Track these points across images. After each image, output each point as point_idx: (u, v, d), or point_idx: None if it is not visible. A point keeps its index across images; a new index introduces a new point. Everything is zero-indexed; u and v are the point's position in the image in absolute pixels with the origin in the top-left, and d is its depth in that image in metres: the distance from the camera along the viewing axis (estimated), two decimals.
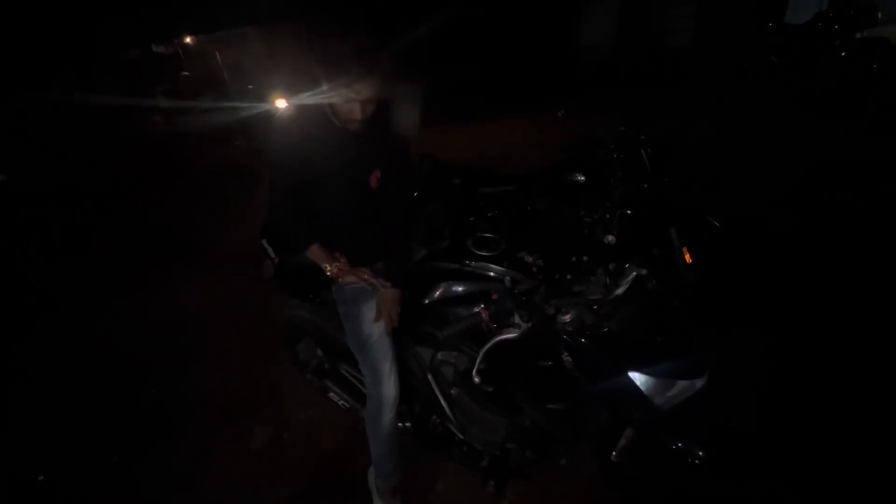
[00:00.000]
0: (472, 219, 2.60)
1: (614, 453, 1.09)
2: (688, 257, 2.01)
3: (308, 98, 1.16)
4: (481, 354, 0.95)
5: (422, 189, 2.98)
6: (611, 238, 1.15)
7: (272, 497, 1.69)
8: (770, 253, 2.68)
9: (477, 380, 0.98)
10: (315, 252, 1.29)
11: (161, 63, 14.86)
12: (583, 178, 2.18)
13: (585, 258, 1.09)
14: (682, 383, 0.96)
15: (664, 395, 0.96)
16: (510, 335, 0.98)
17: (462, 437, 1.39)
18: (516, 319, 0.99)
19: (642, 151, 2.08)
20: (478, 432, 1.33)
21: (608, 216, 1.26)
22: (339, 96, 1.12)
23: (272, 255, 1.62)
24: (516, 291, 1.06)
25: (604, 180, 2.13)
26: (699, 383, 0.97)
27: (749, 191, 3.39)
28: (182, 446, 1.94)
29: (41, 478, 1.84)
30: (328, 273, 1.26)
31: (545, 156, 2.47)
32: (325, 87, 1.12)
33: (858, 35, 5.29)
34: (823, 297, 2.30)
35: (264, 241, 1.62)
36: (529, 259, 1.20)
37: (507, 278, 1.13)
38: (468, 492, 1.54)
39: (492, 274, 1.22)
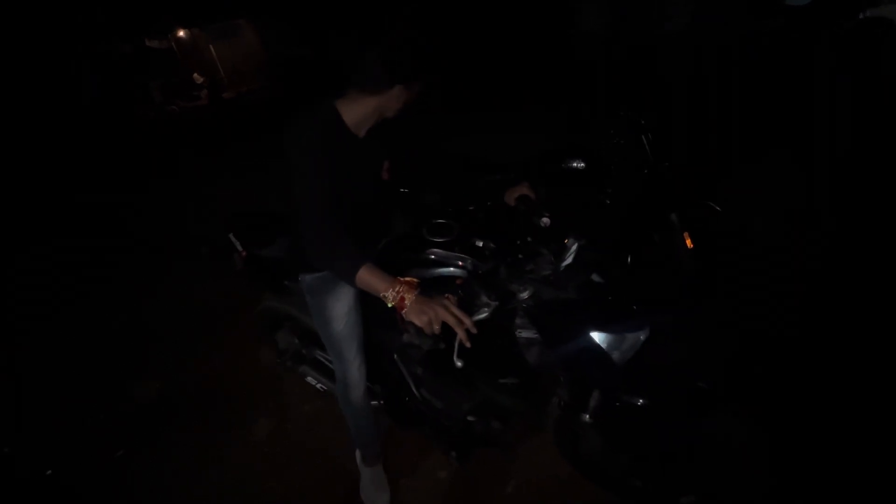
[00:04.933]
0: (471, 208, 2.59)
1: (587, 415, 1.16)
2: (689, 242, 2.00)
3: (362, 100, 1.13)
4: (458, 339, 0.95)
5: (419, 179, 2.96)
6: (545, 220, 1.18)
7: (278, 487, 1.70)
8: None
9: (459, 364, 0.99)
10: (367, 278, 1.01)
11: (155, 58, 14.73)
12: (582, 164, 2.16)
13: (529, 238, 1.16)
14: (631, 336, 1.06)
15: (620, 349, 1.05)
16: (482, 315, 1.02)
17: (429, 413, 1.46)
18: (484, 300, 1.03)
19: (643, 137, 2.06)
20: (442, 408, 1.40)
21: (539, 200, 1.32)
22: (398, 99, 1.13)
23: (240, 248, 1.67)
24: (479, 273, 1.13)
25: (604, 166, 2.11)
26: (643, 336, 1.07)
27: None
28: (186, 438, 1.96)
29: (49, 472, 1.85)
30: (390, 304, 0.99)
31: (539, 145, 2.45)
32: (394, 89, 1.11)
33: (861, 16, 5.22)
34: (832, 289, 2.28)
35: (231, 236, 1.67)
36: (480, 243, 1.24)
37: (469, 262, 1.19)
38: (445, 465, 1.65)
39: (453, 260, 1.27)
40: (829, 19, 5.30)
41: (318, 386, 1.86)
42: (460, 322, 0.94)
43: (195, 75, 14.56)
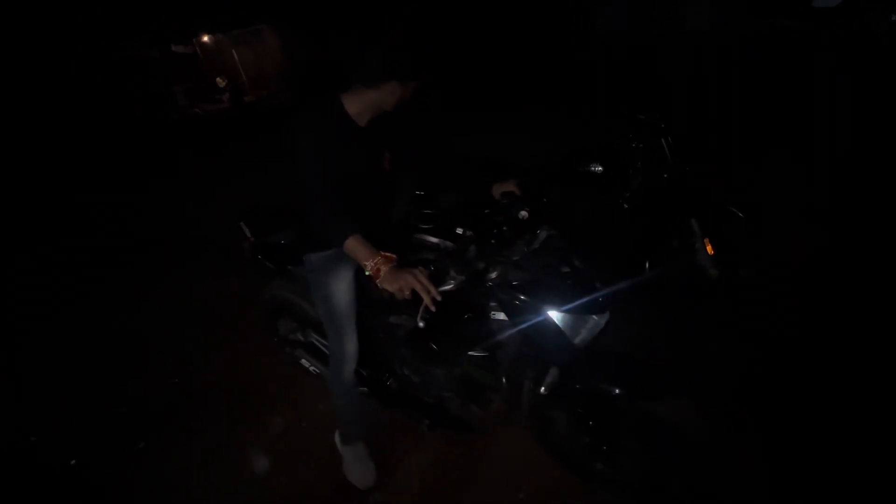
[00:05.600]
0: (487, 211, 2.58)
1: (542, 388, 1.23)
2: (710, 248, 1.96)
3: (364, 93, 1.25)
4: (423, 304, 1.09)
5: (435, 182, 2.97)
6: (523, 213, 1.31)
7: (293, 485, 1.72)
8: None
9: (421, 324, 1.12)
10: (353, 246, 1.17)
11: (180, 62, 15.16)
12: (600, 167, 2.13)
13: (505, 228, 1.27)
14: (591, 318, 1.15)
15: (578, 330, 1.15)
16: (448, 287, 1.14)
17: (410, 390, 1.58)
18: (452, 274, 1.15)
19: (662, 140, 2.03)
20: (420, 383, 1.52)
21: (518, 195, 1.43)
22: (393, 94, 1.24)
23: (249, 235, 1.79)
24: (449, 251, 1.25)
25: (622, 170, 2.08)
26: (603, 319, 1.17)
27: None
28: (204, 432, 1.99)
29: (73, 462, 1.92)
30: (367, 272, 1.15)
31: (553, 147, 2.44)
32: (391, 84, 1.22)
33: (893, 17, 5.05)
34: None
35: (242, 224, 1.80)
36: (461, 230, 1.39)
37: (443, 244, 1.35)
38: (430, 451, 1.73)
39: (432, 242, 1.42)
40: (860, 20, 5.15)
41: (312, 369, 1.96)
42: (427, 290, 1.08)
43: (218, 79, 14.91)
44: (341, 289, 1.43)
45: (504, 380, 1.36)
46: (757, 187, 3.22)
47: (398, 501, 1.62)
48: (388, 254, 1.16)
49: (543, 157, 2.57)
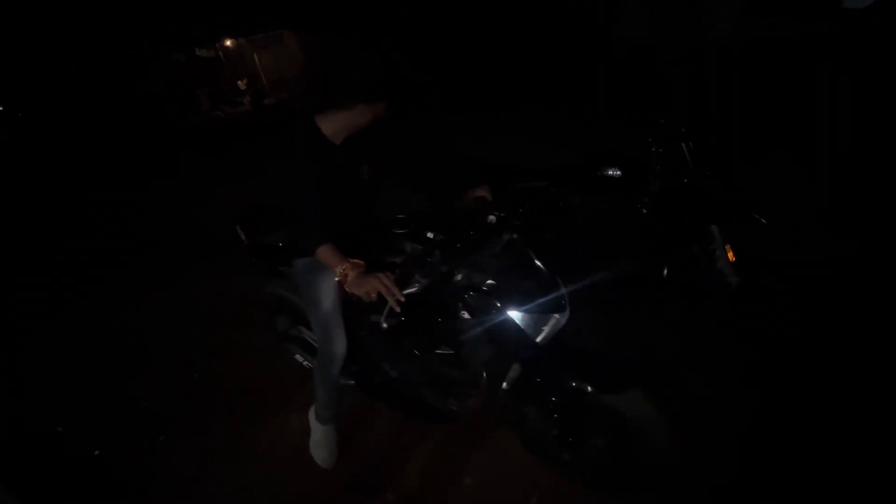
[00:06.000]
0: (502, 214, 2.58)
1: (505, 384, 1.30)
2: (731, 255, 1.92)
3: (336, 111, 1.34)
4: (388, 306, 1.16)
5: (448, 186, 2.98)
6: (491, 218, 1.37)
7: (307, 482, 1.74)
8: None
9: (385, 325, 1.24)
10: (324, 254, 1.28)
11: (204, 66, 15.58)
12: (618, 172, 2.11)
13: (472, 232, 1.32)
14: (552, 317, 1.22)
15: (538, 329, 1.22)
16: (412, 289, 1.21)
17: (390, 384, 1.67)
18: (416, 278, 1.22)
19: (683, 145, 2.00)
20: (400, 380, 1.61)
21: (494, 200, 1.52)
22: (362, 114, 1.32)
23: (244, 238, 1.88)
24: (415, 256, 1.31)
25: (641, 175, 2.05)
26: (564, 318, 1.24)
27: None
28: (221, 428, 2.03)
29: (97, 452, 1.99)
30: (336, 278, 1.24)
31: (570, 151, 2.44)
32: (359, 103, 1.30)
33: None
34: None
35: (238, 227, 1.88)
36: (431, 234, 1.43)
37: (410, 248, 1.41)
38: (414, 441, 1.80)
39: (402, 246, 1.48)
40: (890, 24, 4.98)
41: (305, 364, 2.02)
42: (391, 293, 1.15)
43: (239, 82, 15.27)
44: (327, 291, 1.48)
45: (485, 374, 1.42)
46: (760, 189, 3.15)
47: (405, 499, 1.64)
48: (355, 260, 1.24)
49: (559, 160, 2.56)
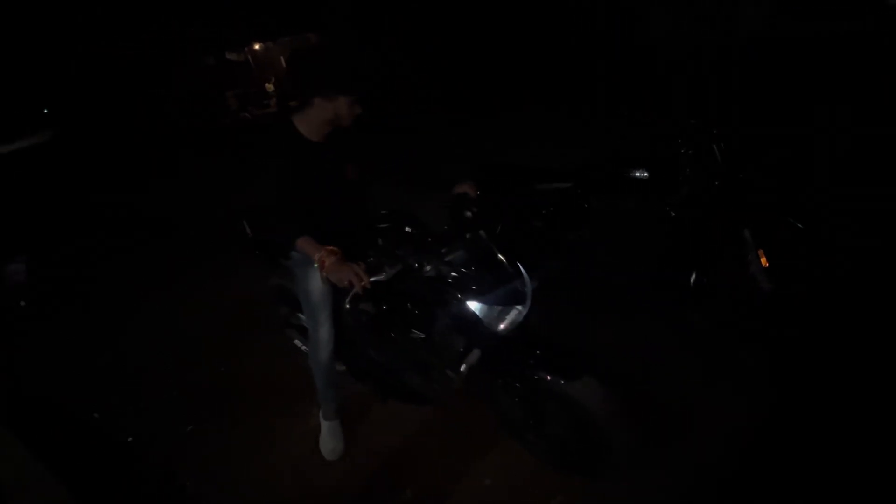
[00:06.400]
0: (526, 215, 2.56)
1: (464, 366, 1.38)
2: (763, 261, 1.85)
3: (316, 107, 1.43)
4: (354, 289, 1.28)
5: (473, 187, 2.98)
6: (468, 214, 1.48)
7: (329, 477, 1.78)
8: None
9: (347, 306, 1.33)
10: (303, 244, 1.38)
11: (232, 69, 16.04)
12: (646, 174, 2.07)
13: (445, 227, 1.46)
14: (511, 308, 1.32)
15: (495, 318, 1.33)
16: (379, 277, 1.31)
17: (375, 368, 1.79)
18: (385, 268, 1.33)
19: (714, 147, 1.95)
20: (383, 363, 1.73)
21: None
22: (325, 109, 1.41)
23: (248, 231, 1.99)
24: (385, 248, 1.45)
25: (669, 177, 2.01)
26: (525, 309, 1.33)
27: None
28: (247, 421, 2.09)
29: (130, 439, 2.08)
30: (315, 265, 1.34)
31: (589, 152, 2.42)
32: (336, 101, 1.40)
33: None
34: None
35: (244, 222, 2.01)
36: (409, 229, 1.53)
37: (384, 241, 1.52)
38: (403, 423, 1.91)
39: (380, 239, 1.57)
40: None
41: (303, 348, 2.14)
42: (359, 279, 1.27)
43: (267, 85, 15.64)
44: (316, 282, 1.57)
45: (452, 359, 1.48)
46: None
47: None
48: (331, 248, 1.34)
49: (582, 161, 2.53)
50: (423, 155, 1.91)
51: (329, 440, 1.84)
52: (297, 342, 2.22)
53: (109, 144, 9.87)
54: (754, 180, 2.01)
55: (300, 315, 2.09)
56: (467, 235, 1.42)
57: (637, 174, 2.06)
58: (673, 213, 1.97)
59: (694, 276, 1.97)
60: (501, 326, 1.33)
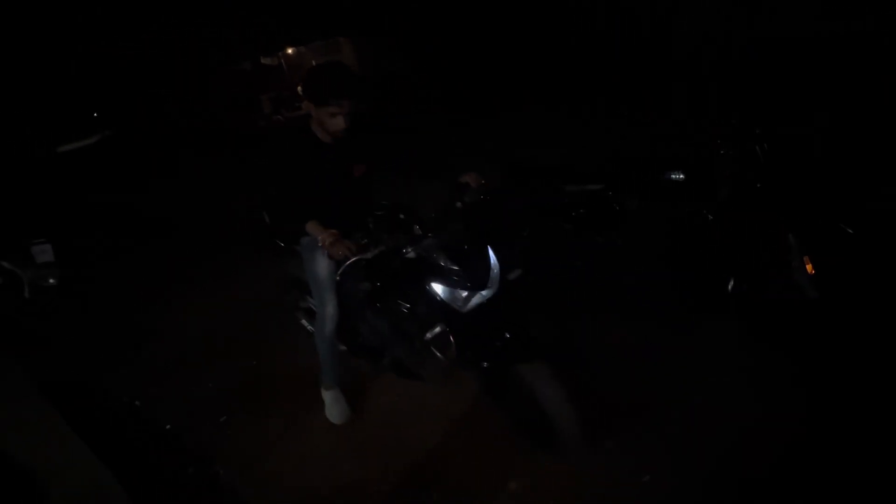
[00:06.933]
0: (555, 217, 2.53)
1: (428, 335, 1.62)
2: (810, 268, 1.76)
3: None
4: (343, 266, 1.64)
5: (499, 188, 2.96)
6: (459, 204, 1.68)
7: (356, 470, 1.81)
8: None
9: (338, 278, 1.73)
10: (311, 227, 1.64)
11: (267, 73, 16.60)
12: (682, 175, 2.00)
13: (433, 214, 1.67)
14: (475, 292, 1.50)
15: (457, 299, 1.50)
16: (363, 255, 1.56)
17: (372, 345, 1.97)
18: (371, 248, 1.58)
19: (757, 147, 1.86)
20: (375, 336, 1.91)
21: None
22: (318, 114, 1.62)
23: (267, 220, 2.13)
24: (374, 231, 1.67)
25: (708, 179, 1.94)
26: (486, 293, 1.51)
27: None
28: (276, 414, 2.15)
29: (168, 427, 2.17)
30: (320, 243, 1.58)
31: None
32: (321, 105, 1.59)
33: None
34: None
35: (263, 212, 2.14)
36: (403, 216, 1.68)
37: (373, 225, 1.72)
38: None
39: (375, 226, 1.74)
40: None
41: (309, 328, 2.29)
42: (350, 253, 1.53)
43: (299, 88, 16.07)
44: (323, 264, 1.82)
45: (428, 333, 1.65)
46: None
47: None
48: (332, 230, 1.57)
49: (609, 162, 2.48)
50: (425, 152, 2.05)
51: (334, 407, 2.01)
52: (304, 322, 2.41)
53: (152, 146, 10.39)
54: (801, 182, 1.90)
55: (309, 298, 2.29)
56: (444, 223, 1.63)
57: (673, 176, 2.00)
58: (711, 217, 1.90)
59: (732, 283, 1.89)
60: (466, 307, 1.50)
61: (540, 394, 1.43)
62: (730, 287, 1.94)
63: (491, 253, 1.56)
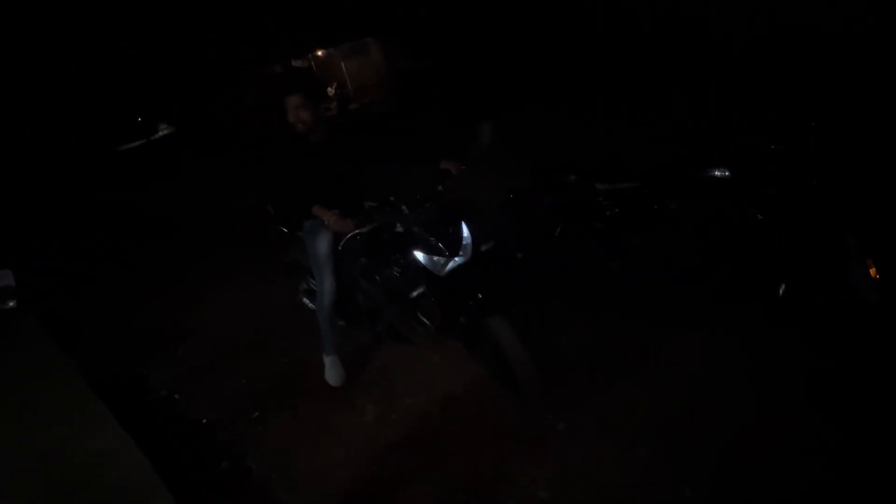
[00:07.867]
0: (587, 217, 2.45)
1: (413, 294, 1.88)
2: (873, 272, 1.62)
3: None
4: (344, 240, 1.93)
5: (530, 186, 2.89)
6: (440, 188, 1.98)
7: (384, 470, 1.82)
8: None
9: (340, 248, 2.03)
10: (317, 210, 1.90)
11: (297, 75, 16.96)
12: (727, 173, 1.89)
13: (417, 196, 1.93)
14: (451, 259, 1.78)
15: (436, 265, 1.78)
16: (361, 230, 1.84)
17: (367, 311, 2.23)
18: (366, 224, 1.86)
19: (810, 141, 1.74)
20: (369, 305, 2.19)
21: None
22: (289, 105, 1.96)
23: (272, 211, 2.38)
24: (366, 211, 2.02)
25: (755, 176, 1.82)
26: (459, 259, 1.79)
27: None
28: (307, 411, 2.19)
29: (204, 420, 2.24)
30: (326, 222, 1.85)
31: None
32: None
33: None
34: None
35: (269, 205, 2.40)
36: (392, 198, 1.97)
37: (368, 206, 2.12)
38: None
39: (369, 205, 2.12)
40: None
41: (311, 307, 2.49)
42: (350, 227, 1.83)
43: (329, 89, 16.37)
44: (322, 243, 2.10)
45: (412, 292, 1.90)
46: None
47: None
48: (335, 211, 1.84)
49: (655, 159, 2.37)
50: (414, 146, 2.26)
51: (333, 371, 2.25)
52: (306, 301, 2.64)
53: (193, 148, 10.85)
54: (861, 179, 1.76)
55: (310, 279, 2.55)
56: (426, 204, 1.90)
57: (717, 173, 1.89)
58: (760, 216, 1.78)
59: (784, 287, 1.77)
60: (444, 271, 1.78)
61: (503, 341, 1.68)
62: (781, 290, 1.82)
63: (465, 227, 1.84)
